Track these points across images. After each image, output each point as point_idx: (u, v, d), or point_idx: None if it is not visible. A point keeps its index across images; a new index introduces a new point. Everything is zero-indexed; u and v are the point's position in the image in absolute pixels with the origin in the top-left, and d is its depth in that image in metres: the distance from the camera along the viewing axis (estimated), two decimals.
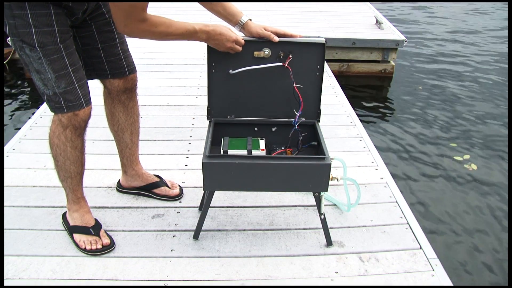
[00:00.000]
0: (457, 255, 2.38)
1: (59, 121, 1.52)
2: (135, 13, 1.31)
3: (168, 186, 1.93)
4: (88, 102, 1.52)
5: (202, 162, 1.44)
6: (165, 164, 2.21)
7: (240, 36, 1.54)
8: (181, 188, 1.96)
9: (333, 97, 3.10)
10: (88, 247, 1.62)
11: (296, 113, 1.60)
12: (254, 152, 1.56)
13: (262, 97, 1.67)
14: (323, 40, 1.56)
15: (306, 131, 1.66)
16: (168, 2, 5.31)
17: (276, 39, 1.54)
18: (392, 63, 4.76)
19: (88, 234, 1.64)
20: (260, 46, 1.56)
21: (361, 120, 2.78)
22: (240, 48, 1.54)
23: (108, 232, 1.70)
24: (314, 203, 1.67)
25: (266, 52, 1.57)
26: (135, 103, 1.79)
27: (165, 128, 2.61)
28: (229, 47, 1.51)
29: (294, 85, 1.59)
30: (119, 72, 1.67)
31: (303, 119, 1.67)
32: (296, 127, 1.61)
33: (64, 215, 1.76)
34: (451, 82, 4.83)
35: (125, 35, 1.37)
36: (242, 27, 1.56)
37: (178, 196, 1.92)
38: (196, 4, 1.59)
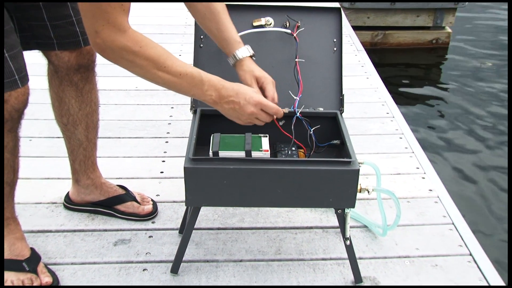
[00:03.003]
0: None
1: None
2: (108, 11, 1.23)
3: (136, 201, 1.94)
4: (24, 79, 1.49)
5: (184, 168, 1.45)
6: (133, 171, 2.23)
7: (271, 105, 1.47)
8: (154, 204, 1.98)
9: (363, 79, 3.12)
10: None
11: (295, 97, 1.67)
12: (255, 154, 1.57)
13: None
14: (337, 5, 1.60)
15: (325, 125, 1.68)
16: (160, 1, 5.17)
17: (281, 112, 1.51)
18: (448, 29, 4.77)
19: (20, 271, 1.62)
20: (260, 14, 1.69)
21: (401, 111, 2.80)
22: (268, 119, 1.49)
23: (50, 267, 1.70)
24: (337, 223, 1.68)
25: (269, 20, 1.68)
26: (93, 87, 1.79)
27: (133, 121, 2.63)
28: (250, 113, 1.45)
29: (297, 59, 1.70)
30: (70, 42, 1.66)
31: (321, 109, 1.70)
32: (298, 114, 1.64)
33: None
34: None
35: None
36: (235, 64, 1.56)
37: (151, 215, 1.94)
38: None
